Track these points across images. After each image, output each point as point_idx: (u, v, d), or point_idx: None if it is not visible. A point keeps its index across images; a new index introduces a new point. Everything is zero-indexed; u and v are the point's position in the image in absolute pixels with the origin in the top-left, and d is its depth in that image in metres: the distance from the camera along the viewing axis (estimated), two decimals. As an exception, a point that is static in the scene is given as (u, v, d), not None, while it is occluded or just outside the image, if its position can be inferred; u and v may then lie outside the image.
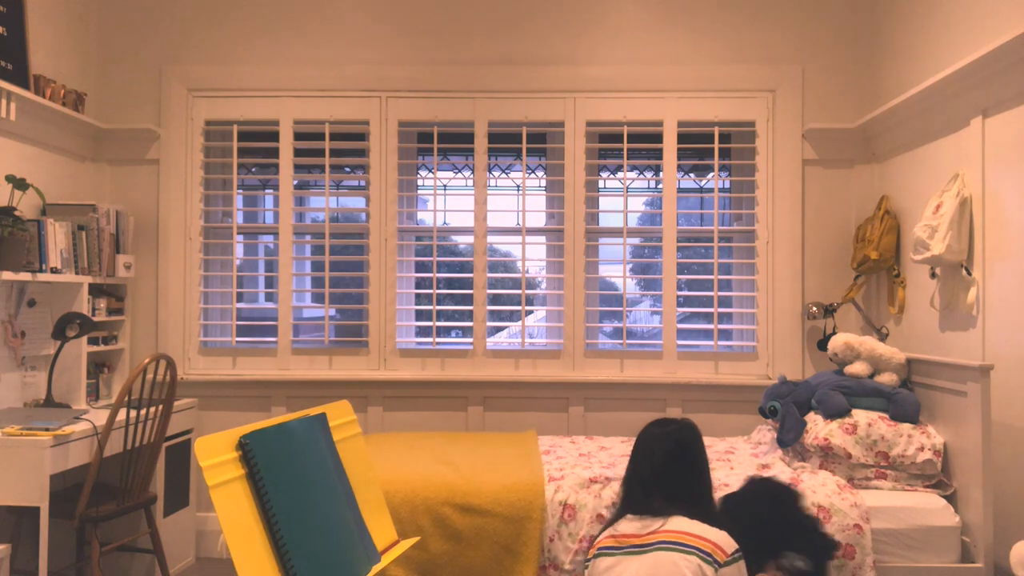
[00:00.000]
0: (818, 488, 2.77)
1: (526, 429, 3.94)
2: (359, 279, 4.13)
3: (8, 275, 3.10)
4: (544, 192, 4.23)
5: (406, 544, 2.42)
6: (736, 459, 3.21)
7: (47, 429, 2.84)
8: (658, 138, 4.06)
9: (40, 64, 3.63)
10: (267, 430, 2.01)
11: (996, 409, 2.82)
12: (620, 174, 4.11)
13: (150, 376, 3.20)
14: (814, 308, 3.83)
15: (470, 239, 4.09)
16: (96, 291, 3.74)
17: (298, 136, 4.11)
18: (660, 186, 4.10)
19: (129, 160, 4.08)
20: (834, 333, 3.65)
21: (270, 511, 1.88)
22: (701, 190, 4.28)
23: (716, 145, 3.99)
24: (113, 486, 3.20)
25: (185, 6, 4.11)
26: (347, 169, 4.30)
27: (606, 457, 3.22)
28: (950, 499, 2.83)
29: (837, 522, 2.66)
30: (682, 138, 4.06)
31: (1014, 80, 2.80)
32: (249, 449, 1.91)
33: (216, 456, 1.84)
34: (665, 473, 2.25)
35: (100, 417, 3.14)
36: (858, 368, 3.21)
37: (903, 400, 3.02)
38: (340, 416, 2.42)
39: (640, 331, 4.52)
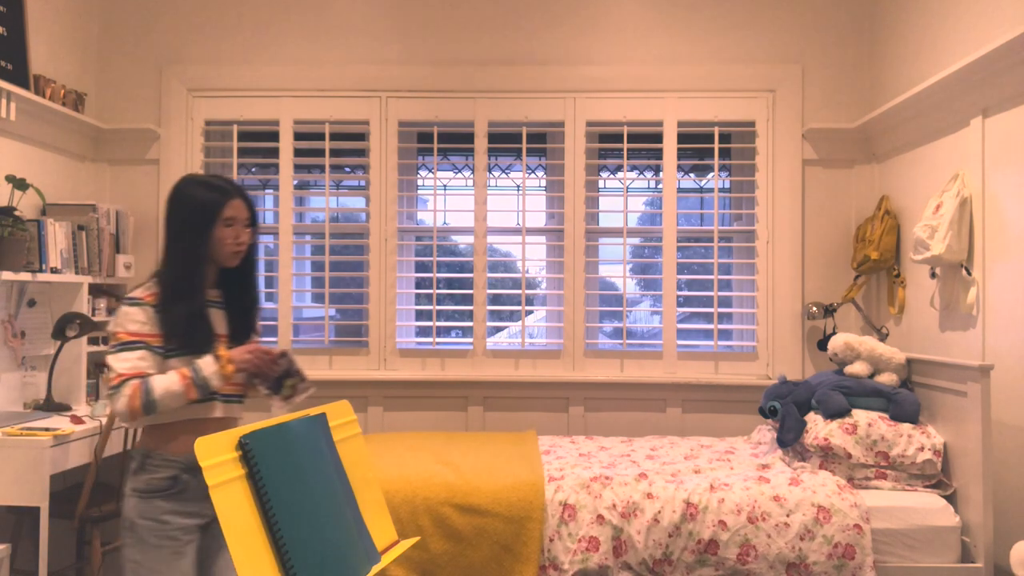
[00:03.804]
0: (818, 488, 2.77)
1: (526, 429, 3.94)
2: (359, 279, 4.13)
3: (8, 275, 3.09)
4: (544, 192, 4.23)
5: (406, 544, 2.42)
6: (736, 459, 3.21)
7: (47, 428, 2.84)
8: (658, 138, 4.06)
9: (40, 64, 3.62)
10: (267, 430, 2.00)
11: (996, 409, 2.82)
12: (620, 174, 4.11)
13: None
14: (814, 308, 3.83)
15: (470, 239, 4.09)
16: (96, 291, 3.74)
17: (298, 136, 4.11)
18: (660, 186, 4.10)
19: (129, 160, 4.08)
20: (834, 333, 3.65)
21: (270, 511, 1.88)
22: (701, 190, 4.28)
23: (716, 145, 3.98)
24: (113, 486, 3.20)
25: (185, 6, 4.11)
26: (347, 169, 4.30)
27: (606, 457, 3.22)
28: (950, 499, 2.83)
29: (837, 522, 2.67)
30: (682, 138, 4.06)
31: (1014, 80, 2.80)
32: (249, 449, 1.91)
33: (216, 456, 1.84)
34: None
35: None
36: (858, 368, 3.21)
37: (903, 400, 3.02)
38: (340, 416, 2.41)
39: (640, 331, 4.52)
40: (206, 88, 4.09)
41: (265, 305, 4.26)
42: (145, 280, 2.08)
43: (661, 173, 4.07)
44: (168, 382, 1.92)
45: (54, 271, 3.37)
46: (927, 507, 2.77)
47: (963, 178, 3.10)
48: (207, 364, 1.97)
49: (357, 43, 4.09)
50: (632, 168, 4.17)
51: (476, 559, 2.69)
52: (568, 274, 4.03)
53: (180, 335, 2.01)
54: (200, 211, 2.05)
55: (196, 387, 1.95)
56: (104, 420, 3.04)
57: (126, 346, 1.95)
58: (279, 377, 2.10)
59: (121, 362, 1.93)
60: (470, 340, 4.08)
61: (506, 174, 4.21)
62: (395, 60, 4.09)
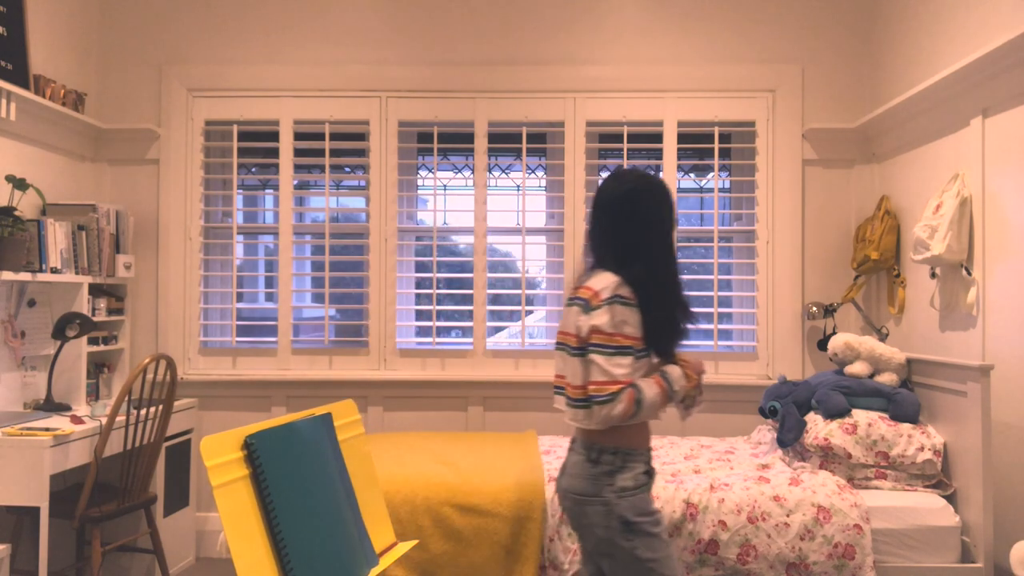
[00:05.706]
0: (818, 488, 2.77)
1: (526, 429, 3.94)
2: (359, 279, 4.13)
3: (8, 275, 3.09)
4: (544, 192, 4.23)
5: (404, 547, 2.42)
6: (736, 459, 3.21)
7: (47, 428, 2.84)
8: (658, 138, 4.06)
9: (40, 64, 3.62)
10: (272, 430, 2.01)
11: (996, 409, 2.83)
12: (620, 174, 4.11)
13: (150, 376, 3.20)
14: (814, 308, 3.83)
15: (470, 239, 4.09)
16: (96, 291, 3.74)
17: (298, 136, 4.11)
18: (660, 186, 4.09)
19: (129, 160, 4.08)
20: (834, 333, 3.65)
21: (272, 512, 1.88)
22: (701, 190, 4.28)
23: (716, 145, 3.99)
24: (113, 486, 3.20)
25: (185, 6, 4.11)
26: (347, 169, 4.30)
27: (606, 457, 3.22)
28: (950, 499, 2.83)
29: (837, 522, 2.67)
30: (682, 138, 4.06)
31: (1014, 80, 2.80)
32: (254, 449, 1.91)
33: (221, 456, 1.84)
34: (591, 227, 2.08)
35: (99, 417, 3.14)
36: (858, 368, 3.21)
37: (903, 400, 3.02)
38: (345, 415, 2.42)
39: (640, 331, 4.52)
40: (206, 88, 4.09)
41: (265, 305, 4.26)
42: (608, 274, 1.93)
43: (661, 173, 4.07)
44: (653, 394, 1.88)
45: (54, 271, 3.37)
46: (927, 507, 2.77)
47: (963, 178, 3.10)
48: (678, 377, 1.95)
49: (357, 43, 4.09)
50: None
51: (476, 559, 2.69)
52: (568, 274, 4.03)
53: (664, 339, 1.98)
54: (669, 207, 2.00)
55: (669, 399, 1.93)
56: (104, 420, 3.04)
57: (622, 350, 1.88)
58: None
59: (618, 367, 1.87)
60: (470, 340, 4.08)
61: (506, 174, 4.21)
62: (395, 60, 4.08)
